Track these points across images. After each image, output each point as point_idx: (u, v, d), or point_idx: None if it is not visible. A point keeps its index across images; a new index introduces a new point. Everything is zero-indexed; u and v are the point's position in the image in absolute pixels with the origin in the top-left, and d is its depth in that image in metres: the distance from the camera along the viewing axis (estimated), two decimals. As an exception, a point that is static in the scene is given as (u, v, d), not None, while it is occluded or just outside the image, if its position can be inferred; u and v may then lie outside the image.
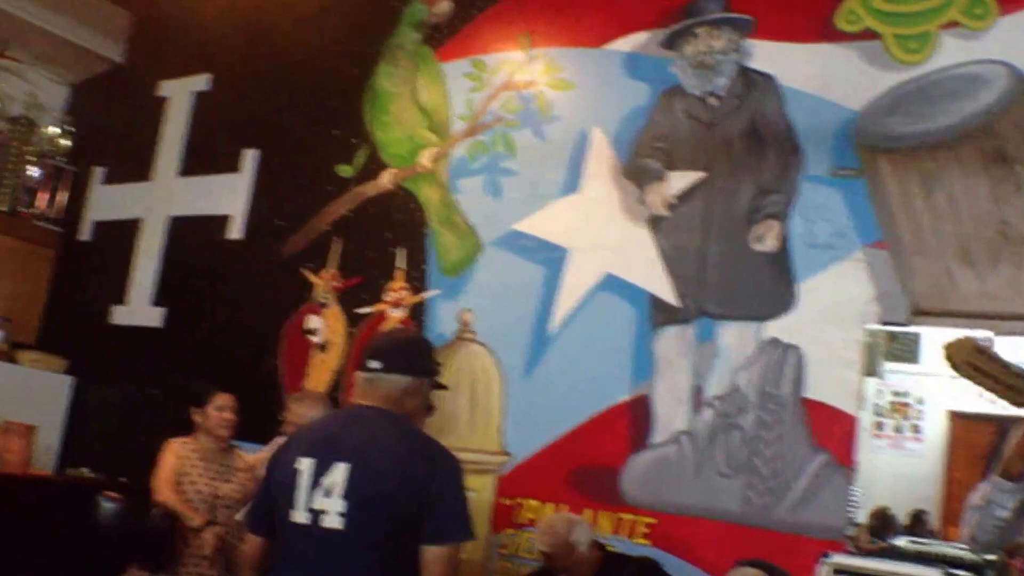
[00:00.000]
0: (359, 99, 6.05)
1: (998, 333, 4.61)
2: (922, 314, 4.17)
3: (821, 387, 4.24)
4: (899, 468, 5.53)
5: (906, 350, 6.11)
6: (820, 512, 4.15)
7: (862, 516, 4.18)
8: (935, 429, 4.85)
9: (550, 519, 4.33)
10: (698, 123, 4.83)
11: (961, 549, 3.03)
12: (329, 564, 2.73)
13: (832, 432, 4.19)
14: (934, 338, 4.21)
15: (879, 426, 5.85)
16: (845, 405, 4.19)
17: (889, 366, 4.69)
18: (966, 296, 4.14)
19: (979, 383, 2.49)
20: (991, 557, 3.34)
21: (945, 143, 4.23)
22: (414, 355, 3.01)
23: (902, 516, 5.31)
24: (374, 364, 2.90)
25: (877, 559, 4.00)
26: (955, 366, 2.54)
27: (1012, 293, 4.09)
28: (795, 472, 4.22)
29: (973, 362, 2.48)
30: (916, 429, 6.02)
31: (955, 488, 4.32)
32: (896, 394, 4.71)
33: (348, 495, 2.72)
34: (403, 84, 5.87)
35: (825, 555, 3.87)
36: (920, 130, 4.28)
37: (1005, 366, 2.47)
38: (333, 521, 2.72)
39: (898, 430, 6.71)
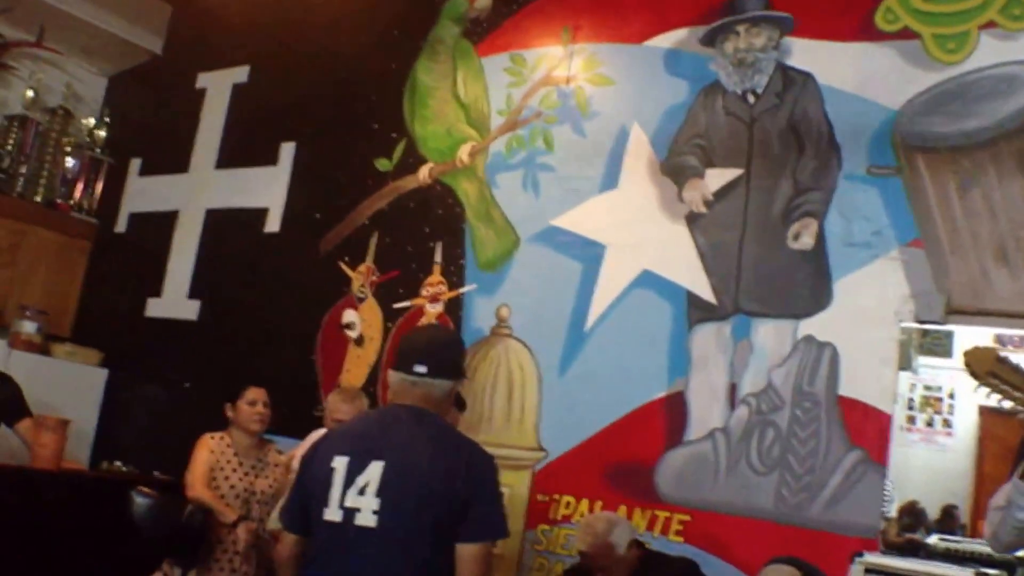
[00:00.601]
0: (398, 93, 6.30)
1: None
2: (957, 313, 4.36)
3: (856, 385, 4.43)
4: (931, 462, 5.72)
5: (939, 345, 6.29)
6: (854, 510, 4.33)
7: (893, 510, 4.36)
8: (966, 424, 5.06)
9: (590, 518, 4.48)
10: (737, 120, 5.04)
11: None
12: (362, 562, 2.84)
13: (866, 430, 4.37)
14: (967, 333, 4.40)
15: (911, 420, 6.03)
16: (880, 403, 4.37)
17: (922, 360, 4.88)
18: (1001, 296, 4.31)
19: (1000, 392, 2.57)
20: (1021, 554, 3.48)
21: (982, 143, 4.40)
22: (455, 358, 3.18)
23: (933, 511, 5.51)
24: (420, 369, 3.02)
25: (909, 559, 4.19)
26: (975, 375, 2.58)
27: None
28: (829, 470, 4.41)
29: (994, 371, 2.56)
30: (947, 424, 6.20)
31: (985, 482, 4.50)
32: (928, 388, 4.91)
33: (383, 493, 2.85)
34: (442, 78, 6.13)
35: (858, 554, 4.05)
36: (957, 130, 4.46)
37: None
38: (367, 519, 2.83)
39: (930, 424, 6.86)
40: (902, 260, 4.45)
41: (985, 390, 2.65)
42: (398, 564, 2.84)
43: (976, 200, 4.41)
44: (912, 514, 5.72)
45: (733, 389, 4.75)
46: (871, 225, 4.55)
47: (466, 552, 2.85)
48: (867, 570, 4.01)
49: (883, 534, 5.54)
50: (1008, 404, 2.62)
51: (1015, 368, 2.54)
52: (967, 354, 2.63)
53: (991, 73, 4.45)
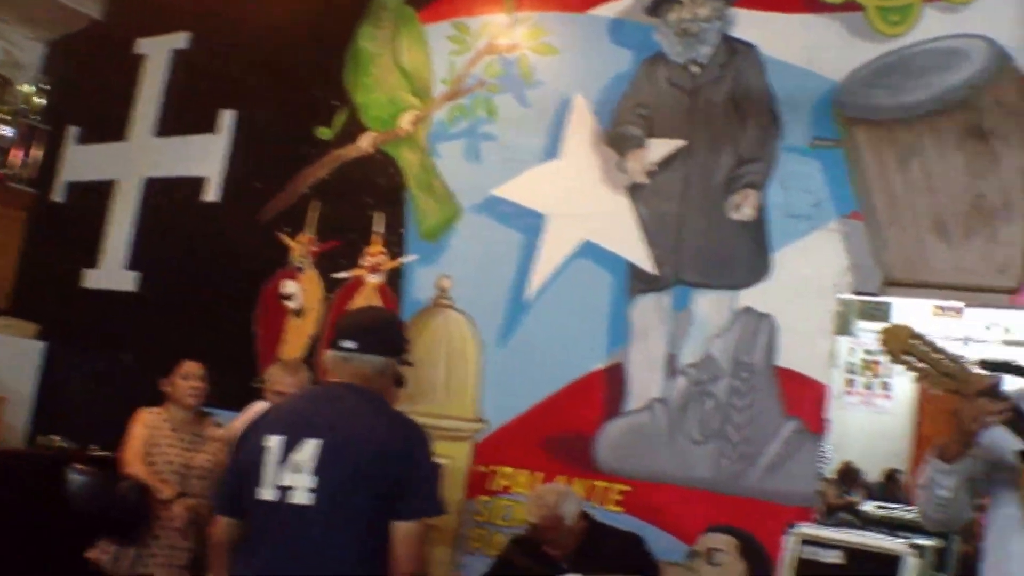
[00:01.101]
0: (340, 60, 6.25)
1: (969, 305, 4.87)
2: (894, 285, 4.42)
3: (793, 355, 4.48)
4: (870, 425, 5.81)
5: (878, 310, 6.37)
6: (790, 479, 4.40)
7: (831, 472, 4.43)
8: (904, 387, 5.12)
9: (540, 490, 4.50)
10: (680, 91, 5.05)
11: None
12: (297, 540, 2.84)
13: (803, 400, 4.43)
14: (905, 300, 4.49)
15: (850, 384, 6.11)
16: (816, 373, 4.43)
17: (861, 324, 4.94)
18: (938, 268, 4.38)
19: (915, 371, 2.60)
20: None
21: (923, 116, 4.45)
22: (387, 335, 3.16)
23: (875, 474, 5.60)
24: (348, 344, 3.03)
25: (844, 529, 4.24)
26: (891, 353, 2.61)
27: (984, 266, 4.32)
28: (766, 439, 4.47)
29: (910, 350, 2.58)
30: (886, 387, 6.30)
31: (924, 444, 4.55)
32: (868, 352, 4.97)
33: (318, 471, 2.84)
34: (385, 46, 6.08)
35: (792, 525, 4.09)
36: (899, 102, 4.50)
37: (942, 353, 2.58)
38: (302, 497, 2.83)
39: (869, 388, 6.98)
40: (841, 232, 4.50)
41: (902, 368, 2.67)
42: (333, 542, 2.85)
43: (915, 173, 4.46)
44: (848, 475, 5.81)
45: (672, 360, 4.78)
46: (811, 197, 4.59)
47: (402, 529, 2.87)
48: (803, 541, 4.04)
49: (822, 496, 5.62)
50: (925, 382, 2.63)
51: (931, 345, 2.55)
52: (883, 332, 2.63)
53: (933, 46, 4.50)
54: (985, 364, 3.75)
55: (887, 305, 6.79)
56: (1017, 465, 2.55)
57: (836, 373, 4.53)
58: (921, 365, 2.55)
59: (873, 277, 4.42)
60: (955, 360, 2.55)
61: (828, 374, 4.43)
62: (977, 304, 4.28)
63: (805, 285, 4.51)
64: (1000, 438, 2.54)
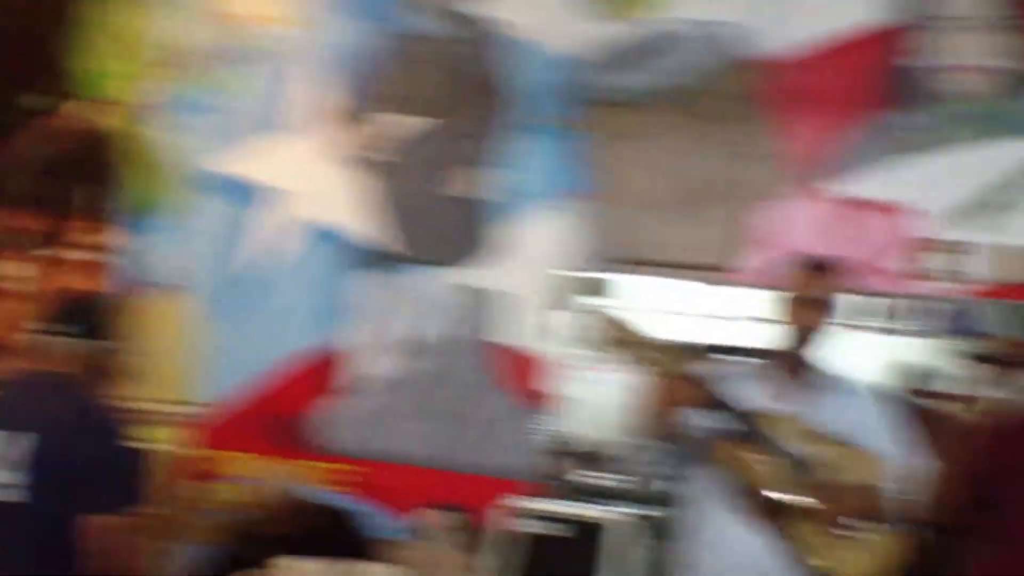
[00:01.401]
0: (52, 23, 5.91)
1: (681, 281, 5.12)
2: (615, 262, 4.56)
3: (511, 330, 4.55)
4: (608, 398, 6.01)
5: (603, 286, 6.62)
6: (507, 453, 4.45)
7: (554, 445, 4.55)
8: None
9: (255, 473, 4.49)
10: (412, 64, 5.02)
11: (631, 482, 3.26)
12: (7, 538, 2.78)
13: (520, 374, 4.50)
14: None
15: (572, 358, 6.33)
16: (534, 348, 4.52)
17: (585, 300, 5.11)
18: (655, 245, 4.56)
19: (620, 355, 2.68)
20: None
21: (651, 98, 4.63)
22: (89, 317, 3.14)
23: (599, 446, 5.82)
24: (50, 327, 3.02)
25: (555, 501, 4.34)
26: (595, 339, 2.71)
27: (698, 244, 4.53)
28: (483, 414, 4.52)
29: (616, 337, 2.66)
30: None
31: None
32: (589, 328, 5.12)
33: (18, 465, 2.77)
34: (102, 9, 5.78)
35: (502, 497, 4.14)
36: (628, 84, 4.65)
37: (646, 338, 2.67)
38: (5, 494, 2.76)
39: (589, 360, 7.29)
40: (562, 209, 4.59)
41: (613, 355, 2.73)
42: (36, 537, 2.78)
43: (638, 153, 4.64)
44: (568, 448, 5.95)
45: (391, 336, 4.74)
46: (533, 174, 4.66)
47: (100, 522, 2.82)
48: (511, 513, 4.09)
49: (543, 468, 5.70)
50: (634, 367, 2.70)
51: (636, 331, 2.61)
52: (587, 319, 2.69)
53: (665, 29, 4.64)
54: (686, 347, 3.93)
55: (611, 282, 7.07)
56: (715, 443, 2.64)
57: (560, 347, 4.63)
58: (628, 353, 2.61)
59: (593, 254, 4.53)
60: (660, 346, 2.62)
61: (546, 348, 4.50)
62: (692, 280, 4.47)
63: (528, 262, 4.59)
64: (700, 418, 2.63)
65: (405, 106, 4.97)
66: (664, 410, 2.61)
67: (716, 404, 2.63)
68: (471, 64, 4.87)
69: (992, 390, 3.64)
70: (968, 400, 4.40)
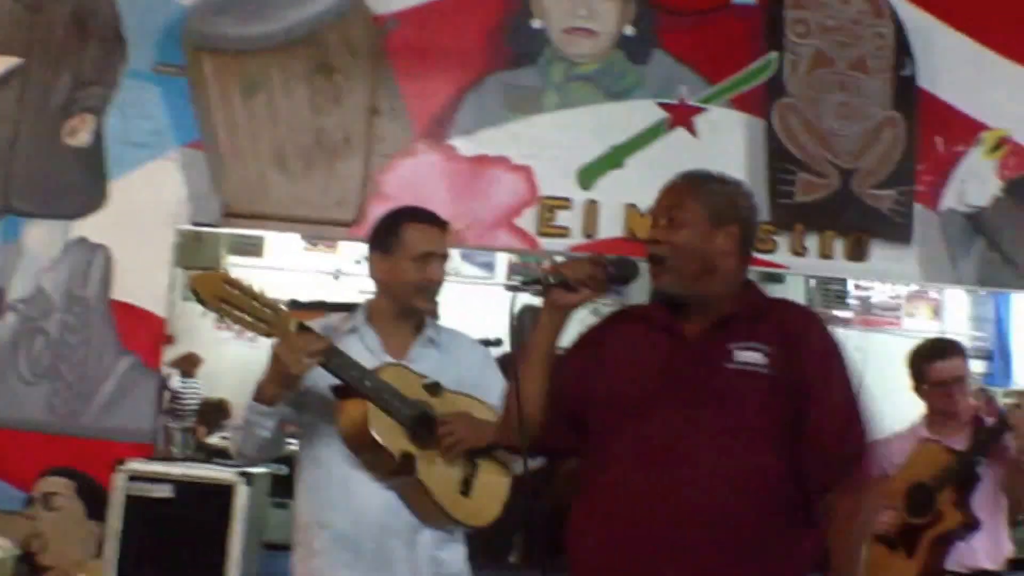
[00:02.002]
0: None
1: (306, 237, 5.11)
2: (234, 216, 4.47)
3: (129, 288, 4.41)
4: (244, 359, 5.98)
5: (251, 244, 6.56)
6: (128, 416, 4.36)
7: (179, 407, 4.48)
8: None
9: None
10: (18, 5, 4.69)
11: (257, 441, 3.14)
12: None
13: (139, 335, 4.39)
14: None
15: (221, 319, 6.25)
16: (153, 307, 4.41)
17: (233, 259, 5.01)
18: (279, 200, 4.50)
19: (229, 316, 2.59)
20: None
21: (270, 48, 4.54)
22: None
23: (224, 406, 5.83)
24: None
25: (176, 463, 4.28)
26: (202, 301, 2.57)
27: (323, 199, 4.52)
28: (102, 376, 4.37)
29: (224, 296, 2.57)
30: None
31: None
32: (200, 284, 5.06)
33: None
34: None
35: (120, 461, 4.03)
36: (246, 33, 4.54)
37: (255, 298, 2.60)
38: None
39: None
40: (181, 162, 4.48)
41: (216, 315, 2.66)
42: None
43: (259, 105, 4.54)
44: (218, 412, 5.89)
45: (1, 295, 4.48)
46: (151, 124, 4.51)
47: None
48: (131, 477, 4.00)
49: (194, 432, 5.61)
50: (240, 327, 2.64)
51: (246, 290, 2.54)
52: (193, 279, 2.56)
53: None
54: (296, 304, 3.92)
55: (260, 239, 6.98)
56: (334, 401, 2.64)
57: (184, 305, 4.54)
58: (236, 312, 2.53)
59: (212, 208, 4.45)
60: (269, 305, 2.56)
61: (165, 307, 4.40)
62: (314, 236, 4.45)
63: (143, 215, 4.44)
64: (316, 376, 2.62)
65: (10, 48, 4.64)
66: (284, 372, 2.57)
67: (334, 360, 2.62)
68: (87, 10, 4.61)
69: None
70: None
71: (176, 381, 6.07)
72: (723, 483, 2.07)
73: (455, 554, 2.80)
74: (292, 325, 2.57)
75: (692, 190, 2.22)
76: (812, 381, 2.13)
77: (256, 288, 2.58)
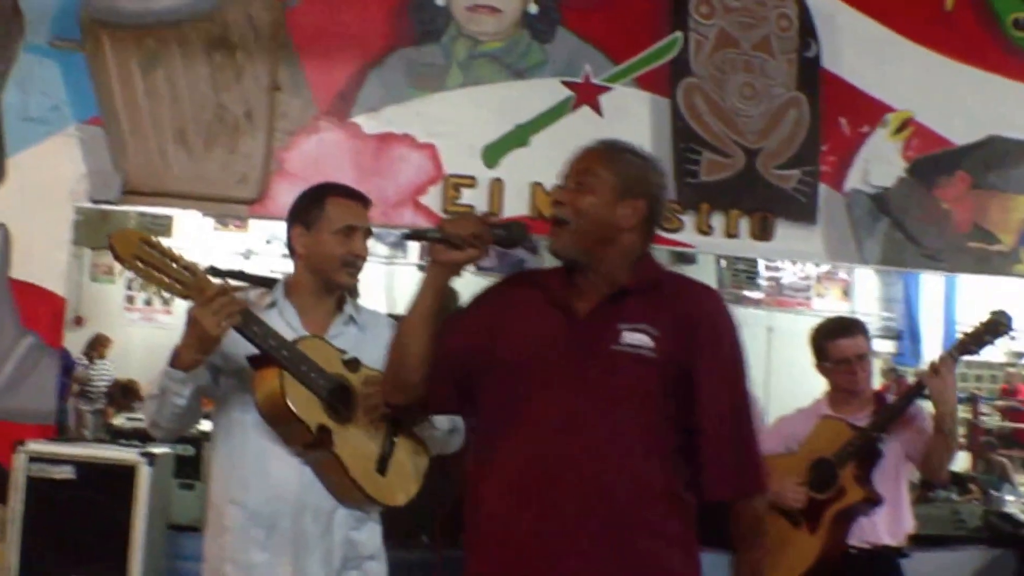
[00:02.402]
0: None
1: (207, 214, 5.06)
2: (135, 194, 4.43)
3: (28, 267, 4.34)
4: (152, 340, 5.95)
5: (159, 224, 6.51)
6: (28, 396, 4.29)
7: (85, 385, 4.43)
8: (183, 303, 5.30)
9: None
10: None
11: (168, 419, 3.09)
12: None
13: (40, 314, 4.33)
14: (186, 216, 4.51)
15: (131, 300, 6.20)
16: (54, 285, 4.34)
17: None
18: (179, 177, 4.46)
19: (145, 277, 2.56)
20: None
21: (170, 24, 4.49)
22: None
23: (133, 385, 5.79)
24: None
25: (78, 444, 4.23)
26: (120, 259, 2.57)
27: (224, 176, 4.49)
28: (2, 356, 4.30)
29: (139, 255, 2.55)
30: (167, 302, 6.52)
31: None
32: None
33: None
34: None
35: (20, 442, 3.98)
36: (144, 8, 4.48)
37: (174, 260, 2.58)
38: None
39: (149, 303, 7.21)
40: (79, 138, 4.42)
41: (132, 273, 2.64)
42: None
43: (159, 81, 4.49)
44: (127, 393, 5.85)
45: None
46: (49, 100, 4.44)
47: None
48: (31, 458, 3.95)
49: (102, 415, 5.54)
50: (156, 287, 2.62)
51: (162, 250, 2.53)
52: (111, 237, 2.55)
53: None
54: (214, 271, 3.88)
55: (168, 219, 6.92)
56: (249, 369, 2.62)
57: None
58: (152, 272, 2.52)
59: (112, 185, 4.39)
60: (187, 267, 2.54)
61: (65, 286, 4.35)
62: (215, 213, 4.41)
63: (41, 193, 4.37)
64: (235, 345, 2.60)
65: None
66: (202, 336, 2.55)
67: (251, 327, 2.60)
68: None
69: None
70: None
71: (79, 359, 6.01)
72: (604, 466, 2.10)
73: (371, 534, 2.79)
74: (209, 288, 2.56)
75: (606, 158, 2.24)
76: (702, 372, 2.14)
77: (176, 251, 2.58)
